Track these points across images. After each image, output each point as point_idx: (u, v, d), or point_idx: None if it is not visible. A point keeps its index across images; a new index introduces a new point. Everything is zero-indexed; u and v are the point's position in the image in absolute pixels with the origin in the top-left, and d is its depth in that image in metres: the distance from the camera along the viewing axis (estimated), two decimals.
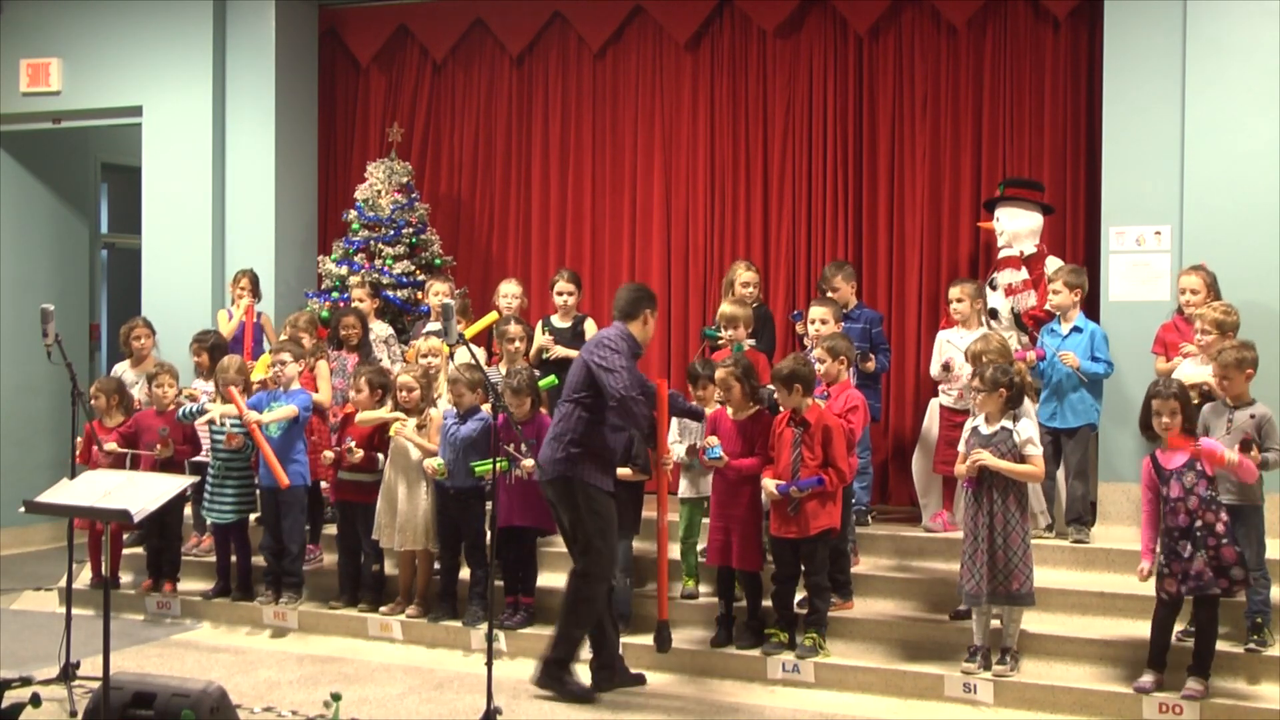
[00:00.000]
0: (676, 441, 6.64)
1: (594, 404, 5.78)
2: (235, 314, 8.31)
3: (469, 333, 6.80)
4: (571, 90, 8.99)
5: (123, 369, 8.24)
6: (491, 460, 6.00)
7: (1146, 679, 5.50)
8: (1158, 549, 5.48)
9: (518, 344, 7.35)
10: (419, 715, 5.65)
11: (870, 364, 6.92)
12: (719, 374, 6.26)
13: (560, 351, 7.41)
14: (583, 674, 5.95)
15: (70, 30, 9.36)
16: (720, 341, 6.96)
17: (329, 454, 7.06)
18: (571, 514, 5.82)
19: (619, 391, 5.65)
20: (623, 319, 5.93)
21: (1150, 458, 5.53)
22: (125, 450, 7.29)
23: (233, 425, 7.16)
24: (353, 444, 6.93)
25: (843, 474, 5.96)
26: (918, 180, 8.06)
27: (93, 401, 7.53)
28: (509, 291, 7.87)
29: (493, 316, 7.73)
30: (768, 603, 6.24)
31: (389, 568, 7.14)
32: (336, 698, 5.31)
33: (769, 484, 6.01)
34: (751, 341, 6.93)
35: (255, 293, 8.38)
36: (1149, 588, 6.02)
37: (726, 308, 6.99)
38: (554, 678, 5.84)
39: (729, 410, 6.29)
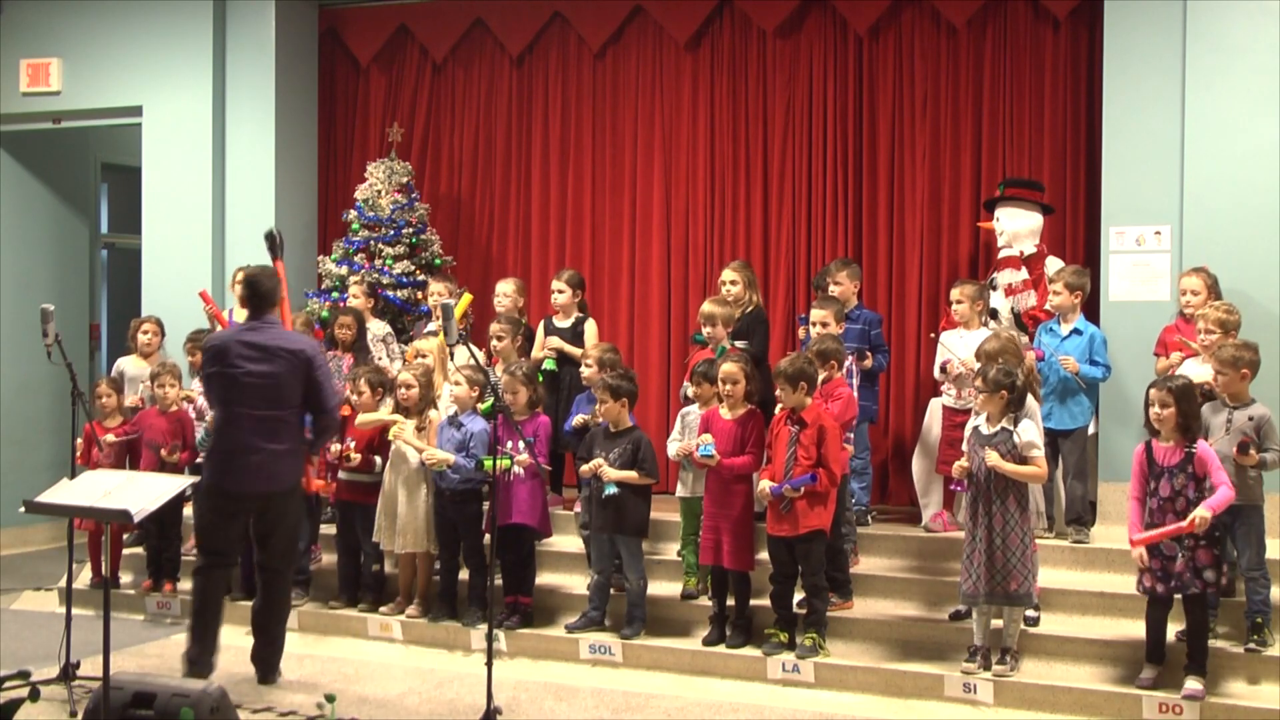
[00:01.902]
0: (676, 439, 6.65)
1: (301, 412, 5.91)
2: (236, 315, 8.30)
3: None
4: (571, 90, 8.98)
5: (126, 362, 8.25)
6: (493, 457, 6.02)
7: (1146, 674, 5.53)
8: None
9: (496, 343, 7.33)
10: (419, 715, 5.65)
11: (868, 361, 6.92)
12: (728, 366, 6.25)
13: (557, 343, 7.42)
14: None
15: (70, 30, 9.35)
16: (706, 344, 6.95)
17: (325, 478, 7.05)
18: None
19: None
20: (270, 306, 6.01)
21: (1145, 445, 5.52)
22: (125, 439, 7.31)
23: None
24: (352, 444, 6.94)
25: (833, 476, 5.95)
26: (918, 180, 8.06)
27: (97, 401, 7.55)
28: (502, 290, 7.84)
29: (468, 298, 7.71)
30: (757, 601, 6.24)
31: (389, 568, 7.14)
32: (330, 699, 5.34)
33: (764, 486, 6.01)
34: (743, 344, 6.85)
35: None
36: None
37: (706, 306, 6.91)
38: (275, 669, 6.05)
39: (722, 410, 6.29)
